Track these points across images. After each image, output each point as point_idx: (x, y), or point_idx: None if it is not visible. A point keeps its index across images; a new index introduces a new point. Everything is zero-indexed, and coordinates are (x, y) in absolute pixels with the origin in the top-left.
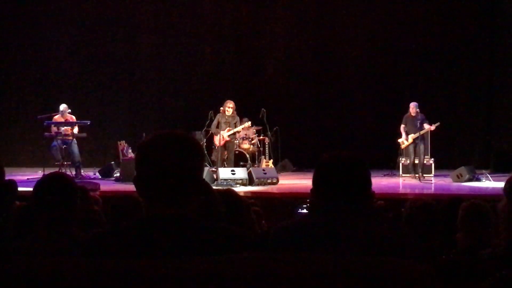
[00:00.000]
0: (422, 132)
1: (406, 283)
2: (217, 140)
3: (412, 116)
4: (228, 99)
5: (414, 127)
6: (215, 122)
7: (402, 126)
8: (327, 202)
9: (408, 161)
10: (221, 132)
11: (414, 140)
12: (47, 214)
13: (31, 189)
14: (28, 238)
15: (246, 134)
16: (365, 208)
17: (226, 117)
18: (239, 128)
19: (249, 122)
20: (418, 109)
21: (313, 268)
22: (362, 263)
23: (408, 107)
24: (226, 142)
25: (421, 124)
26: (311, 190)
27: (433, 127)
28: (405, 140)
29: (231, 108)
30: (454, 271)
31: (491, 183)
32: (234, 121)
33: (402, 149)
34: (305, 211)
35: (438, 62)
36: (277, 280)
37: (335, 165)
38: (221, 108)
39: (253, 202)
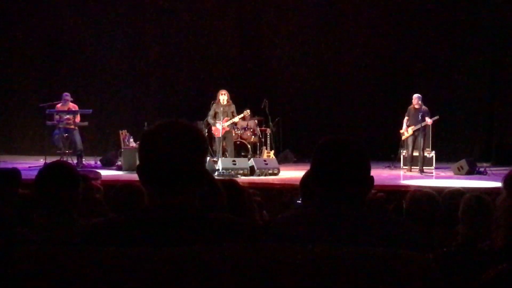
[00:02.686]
0: (422, 124)
1: (407, 274)
2: (215, 131)
3: (414, 108)
4: (221, 89)
5: (415, 119)
6: (211, 113)
7: (406, 118)
8: (325, 187)
9: (406, 154)
10: (219, 122)
11: (414, 132)
12: (49, 203)
13: (32, 177)
14: (31, 226)
15: (247, 125)
16: (365, 194)
17: (222, 107)
18: (236, 118)
19: (248, 111)
20: (421, 102)
21: (313, 258)
22: (362, 254)
23: (410, 99)
24: (225, 132)
25: (423, 117)
26: (301, 180)
27: (430, 121)
28: (405, 132)
29: (225, 95)
30: (454, 263)
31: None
32: (231, 110)
33: (403, 141)
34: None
35: (441, 54)
36: (278, 270)
37: (333, 148)
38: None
39: (254, 192)
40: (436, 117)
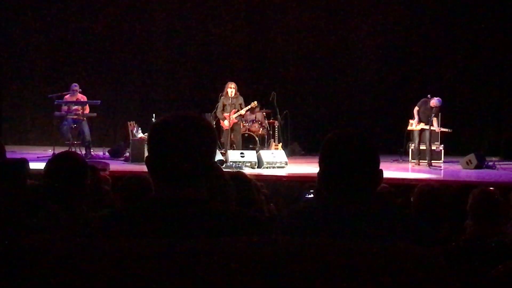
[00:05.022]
0: (431, 128)
1: (415, 268)
2: (224, 123)
3: (430, 107)
4: (229, 81)
5: (426, 117)
6: (220, 105)
7: (416, 109)
8: (333, 180)
9: (414, 147)
10: (228, 114)
11: (422, 128)
12: (58, 193)
13: (41, 167)
14: (39, 217)
15: (255, 117)
16: (374, 187)
17: (230, 99)
18: (243, 110)
19: (255, 102)
20: (439, 105)
21: (320, 252)
22: (370, 248)
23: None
24: (233, 124)
25: (434, 119)
26: (318, 173)
27: (438, 130)
28: (416, 124)
29: (233, 88)
30: (463, 258)
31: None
32: (239, 102)
33: (408, 131)
34: (311, 196)
35: (450, 47)
36: (286, 263)
37: (342, 142)
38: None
39: (261, 185)
40: (449, 130)
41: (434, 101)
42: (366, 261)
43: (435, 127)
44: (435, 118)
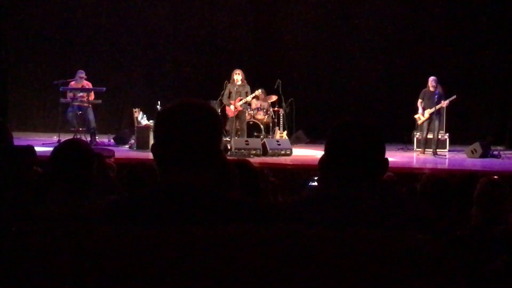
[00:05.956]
0: (437, 107)
1: (420, 257)
2: (229, 111)
3: (430, 91)
4: (236, 68)
5: (431, 102)
6: (226, 92)
7: (419, 101)
8: (339, 168)
9: (421, 136)
10: (233, 102)
11: (430, 115)
12: (64, 180)
13: (46, 154)
14: (46, 204)
15: (260, 105)
16: (379, 176)
17: (237, 87)
18: (249, 98)
19: (260, 90)
20: (436, 84)
21: (325, 241)
22: (375, 236)
23: (424, 81)
24: (238, 112)
25: (439, 99)
26: (320, 160)
27: (446, 103)
28: (421, 116)
29: (239, 75)
30: (468, 246)
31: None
32: (245, 90)
33: (418, 125)
34: (315, 183)
35: (456, 36)
36: (290, 251)
37: (348, 130)
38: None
39: (269, 173)
40: (453, 97)
41: (431, 83)
42: (371, 249)
43: (443, 103)
44: (442, 100)
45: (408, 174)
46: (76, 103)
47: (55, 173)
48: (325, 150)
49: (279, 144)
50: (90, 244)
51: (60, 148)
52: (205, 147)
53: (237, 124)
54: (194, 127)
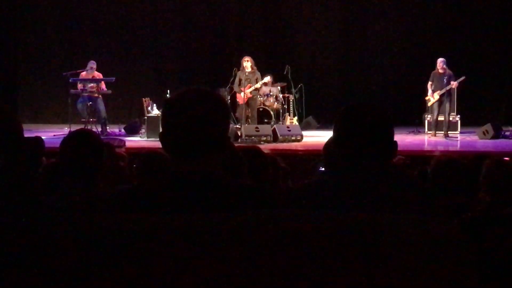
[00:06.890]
0: (447, 88)
1: (431, 239)
2: (239, 97)
3: (439, 73)
4: (245, 55)
5: (440, 84)
6: (236, 80)
7: (429, 83)
8: (348, 152)
9: (432, 118)
10: (243, 89)
11: (440, 97)
12: (74, 171)
13: (57, 145)
14: (56, 194)
15: (270, 91)
16: (388, 159)
17: (246, 74)
18: (258, 84)
19: (268, 77)
20: (445, 66)
21: (335, 225)
22: (386, 220)
23: (435, 63)
24: (248, 99)
25: (448, 81)
26: (325, 145)
27: (456, 84)
28: (431, 97)
29: (249, 62)
30: (479, 228)
31: None
32: (255, 77)
33: (429, 107)
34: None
35: (466, 17)
36: (299, 237)
37: (356, 114)
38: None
39: (279, 160)
40: (462, 78)
41: (439, 64)
42: (382, 233)
43: (453, 84)
44: (452, 81)
45: (419, 156)
46: (86, 94)
47: (64, 163)
48: (334, 135)
49: (290, 130)
50: (101, 234)
51: (68, 138)
52: (212, 134)
53: (248, 111)
54: (200, 115)
